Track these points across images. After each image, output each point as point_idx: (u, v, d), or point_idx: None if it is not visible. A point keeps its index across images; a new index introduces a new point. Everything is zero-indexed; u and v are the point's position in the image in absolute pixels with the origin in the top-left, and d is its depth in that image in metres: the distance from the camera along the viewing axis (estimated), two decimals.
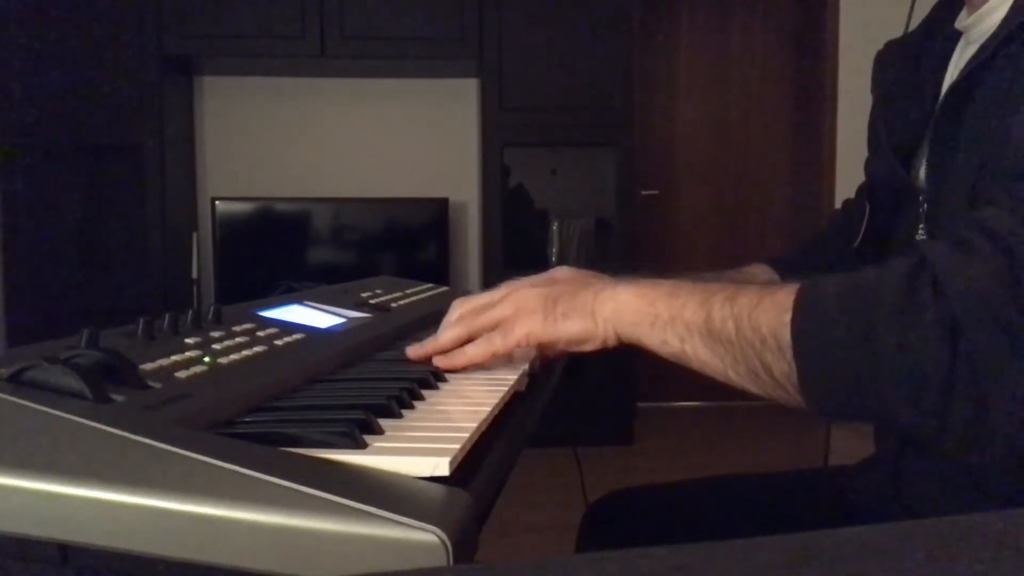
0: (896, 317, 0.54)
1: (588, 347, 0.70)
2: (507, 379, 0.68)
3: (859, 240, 0.93)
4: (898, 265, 0.57)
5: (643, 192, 3.93)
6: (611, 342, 0.69)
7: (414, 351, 0.74)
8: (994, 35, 0.72)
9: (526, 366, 0.74)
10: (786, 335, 0.58)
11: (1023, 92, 0.65)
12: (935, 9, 0.90)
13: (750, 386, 0.63)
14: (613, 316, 0.67)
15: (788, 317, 0.59)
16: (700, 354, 0.64)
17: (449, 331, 0.74)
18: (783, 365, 0.59)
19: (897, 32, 0.93)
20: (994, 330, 0.52)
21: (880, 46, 0.96)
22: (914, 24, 0.92)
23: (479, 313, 0.73)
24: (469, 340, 0.73)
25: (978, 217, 0.58)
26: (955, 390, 0.53)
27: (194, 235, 3.47)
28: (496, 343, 0.71)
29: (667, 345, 0.65)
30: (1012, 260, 0.54)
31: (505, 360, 0.75)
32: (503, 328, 0.71)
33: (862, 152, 0.97)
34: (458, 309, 0.76)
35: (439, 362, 0.72)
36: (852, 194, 1.05)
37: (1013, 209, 0.57)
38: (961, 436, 0.54)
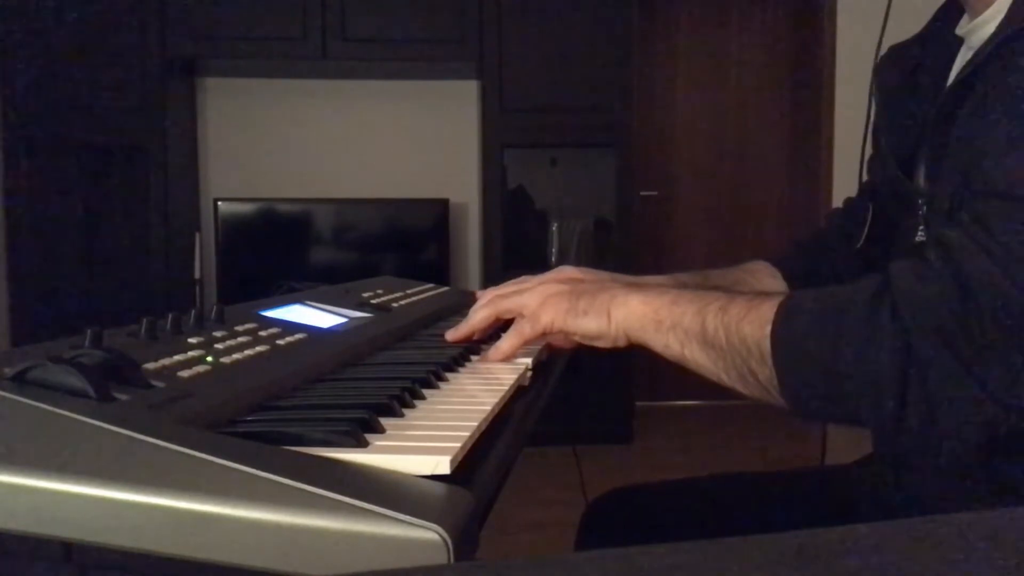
0: (858, 335, 0.61)
1: (600, 344, 0.76)
2: (507, 378, 0.69)
3: (862, 241, 0.94)
4: (866, 285, 0.63)
5: (642, 193, 3.94)
6: (621, 342, 0.75)
7: (451, 334, 0.83)
8: (988, 41, 0.72)
9: (529, 361, 0.75)
10: (767, 345, 0.65)
11: (1003, 105, 0.66)
12: (938, 14, 0.90)
13: (740, 388, 0.70)
14: (624, 320, 0.74)
15: (769, 329, 0.65)
16: (697, 358, 0.71)
17: (480, 312, 0.82)
18: (766, 371, 0.66)
19: (893, 33, 0.93)
20: (943, 352, 0.58)
21: (876, 48, 0.96)
22: (898, 27, 0.92)
23: (507, 297, 0.81)
24: (497, 320, 0.82)
25: (941, 237, 0.63)
26: (907, 402, 0.59)
27: (196, 235, 3.48)
28: (526, 330, 0.77)
29: (669, 349, 0.72)
30: (962, 283, 0.58)
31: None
32: (531, 317, 0.78)
33: (858, 154, 0.97)
34: (488, 294, 0.84)
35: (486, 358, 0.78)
36: (849, 195, 1.06)
37: (970, 229, 0.61)
38: (914, 442, 0.61)
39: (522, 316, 0.79)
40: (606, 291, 0.76)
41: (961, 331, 0.57)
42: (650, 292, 0.75)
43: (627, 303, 0.74)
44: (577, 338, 0.78)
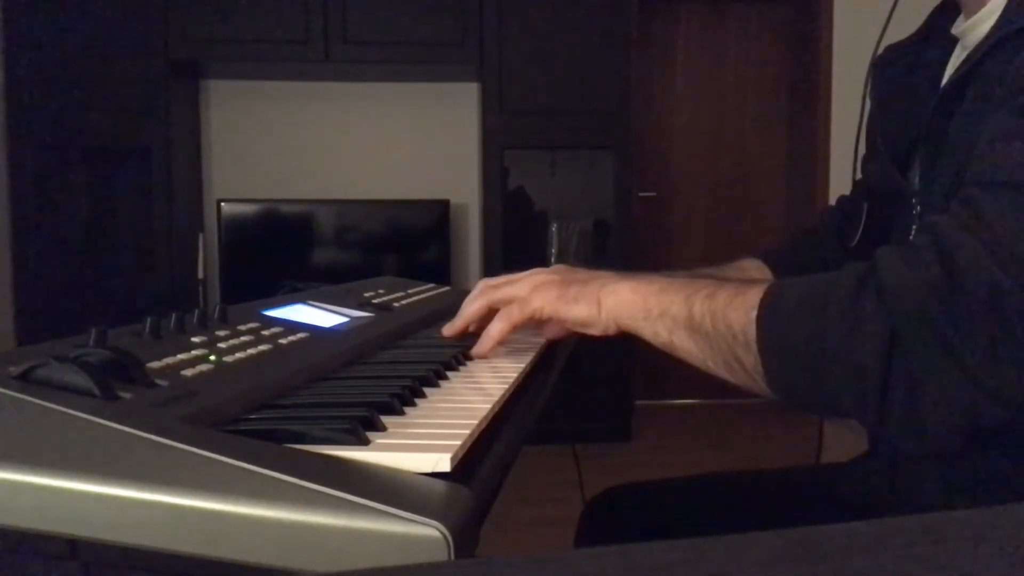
0: (842, 320, 0.59)
1: (591, 331, 0.77)
2: (508, 377, 0.69)
3: (856, 240, 0.94)
4: (852, 271, 0.62)
5: (640, 194, 3.94)
6: (611, 330, 0.75)
7: (447, 329, 0.84)
8: (983, 41, 0.73)
9: (528, 360, 0.76)
10: (752, 331, 0.64)
11: (1000, 99, 0.66)
12: (933, 14, 0.90)
13: (727, 375, 0.69)
14: (614, 308, 0.74)
15: (754, 315, 0.64)
16: (684, 345, 0.70)
17: (473, 303, 0.83)
18: (751, 358, 0.65)
19: (890, 37, 0.93)
20: (927, 338, 0.56)
21: (875, 47, 0.96)
22: (896, 26, 0.92)
23: (499, 287, 0.81)
24: (490, 311, 0.81)
25: (930, 224, 0.61)
26: (890, 390, 0.58)
27: (200, 236, 3.48)
28: (514, 314, 0.78)
29: (658, 336, 0.72)
30: (951, 269, 0.57)
31: (529, 330, 0.81)
32: (520, 301, 0.78)
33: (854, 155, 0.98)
34: (480, 285, 0.84)
35: (474, 352, 0.78)
36: (845, 195, 1.06)
37: (959, 215, 0.60)
38: (898, 429, 0.59)
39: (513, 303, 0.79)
40: (596, 279, 0.76)
41: (945, 314, 0.56)
42: (640, 280, 0.75)
43: (617, 291, 0.74)
44: (568, 325, 0.78)
